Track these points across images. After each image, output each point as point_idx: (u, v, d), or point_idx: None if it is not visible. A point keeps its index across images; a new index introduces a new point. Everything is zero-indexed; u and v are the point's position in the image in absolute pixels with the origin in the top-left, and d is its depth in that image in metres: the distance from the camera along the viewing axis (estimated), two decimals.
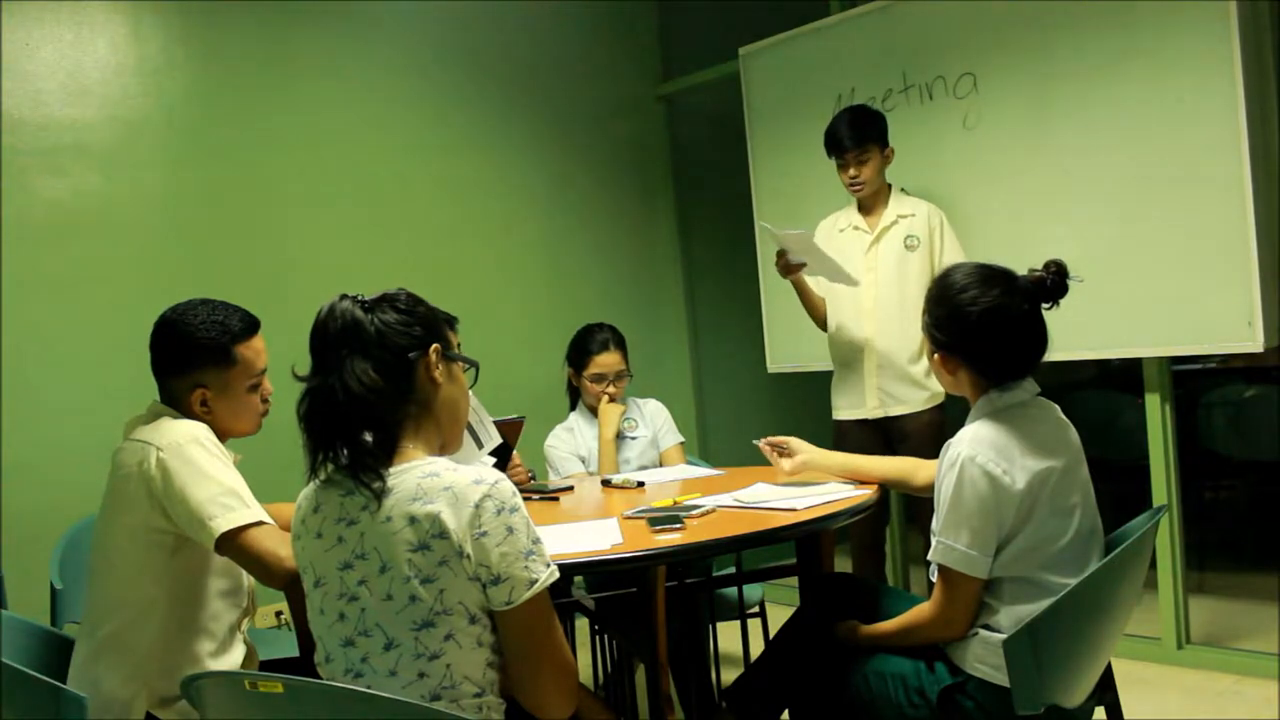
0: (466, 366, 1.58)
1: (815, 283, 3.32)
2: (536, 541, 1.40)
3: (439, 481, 1.37)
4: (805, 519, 1.98)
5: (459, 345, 1.59)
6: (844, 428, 3.30)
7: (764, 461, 2.53)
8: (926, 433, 3.14)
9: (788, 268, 3.17)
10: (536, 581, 1.37)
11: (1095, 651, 1.74)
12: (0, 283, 3.05)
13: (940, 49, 3.47)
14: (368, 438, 1.41)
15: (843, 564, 2.85)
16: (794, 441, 2.39)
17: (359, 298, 1.47)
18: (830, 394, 3.39)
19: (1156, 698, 3.01)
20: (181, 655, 1.81)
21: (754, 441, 2.45)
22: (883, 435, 3.22)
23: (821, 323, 3.35)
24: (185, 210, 3.42)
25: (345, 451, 1.42)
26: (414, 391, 1.47)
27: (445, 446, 1.54)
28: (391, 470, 1.40)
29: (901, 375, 3.17)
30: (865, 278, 3.19)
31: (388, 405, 1.43)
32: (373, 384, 1.41)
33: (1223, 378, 4.19)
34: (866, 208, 3.28)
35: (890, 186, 3.27)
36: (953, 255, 3.15)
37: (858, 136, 3.14)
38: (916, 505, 3.18)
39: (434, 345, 1.50)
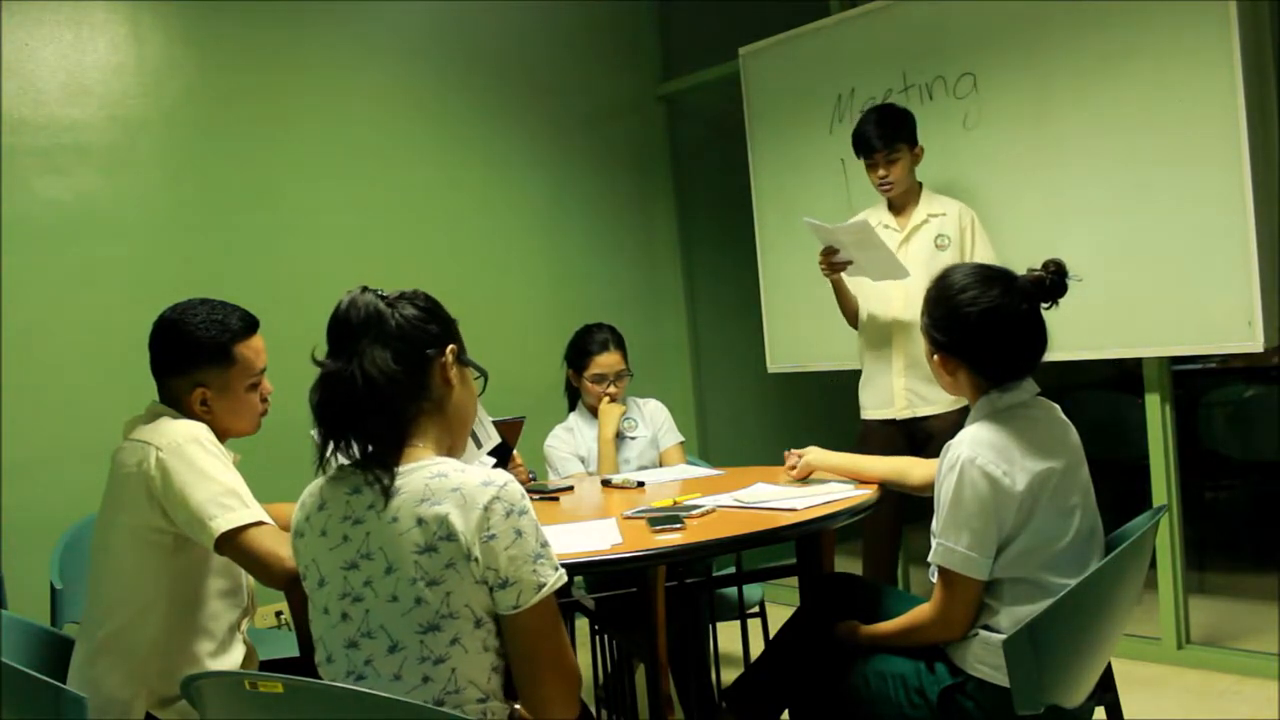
0: (477, 375, 1.58)
1: (850, 282, 3.27)
2: (545, 544, 1.40)
3: (447, 483, 1.37)
4: (805, 519, 1.98)
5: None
6: (870, 427, 3.26)
7: (764, 461, 2.53)
8: (951, 433, 3.09)
9: (833, 266, 3.14)
10: (545, 585, 1.37)
11: (1095, 651, 1.74)
12: (0, 283, 3.05)
13: (940, 49, 3.47)
14: (380, 430, 1.41)
15: (846, 563, 2.84)
16: (805, 451, 2.41)
17: (379, 291, 1.47)
18: (851, 394, 3.36)
19: (1156, 698, 3.01)
20: (181, 655, 1.81)
21: (786, 453, 2.47)
22: (908, 435, 3.19)
23: (853, 319, 3.33)
24: (185, 210, 3.42)
25: (356, 445, 1.42)
26: (429, 389, 1.48)
27: (452, 450, 1.53)
28: (400, 469, 1.40)
29: (929, 375, 3.12)
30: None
31: (403, 398, 1.44)
32: (392, 373, 1.41)
33: (1223, 378, 4.19)
34: (897, 206, 3.24)
35: (921, 185, 3.24)
36: (984, 255, 3.10)
37: (887, 136, 3.11)
38: (919, 505, 3.17)
39: (450, 346, 1.51)
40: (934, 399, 3.15)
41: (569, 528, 2.10)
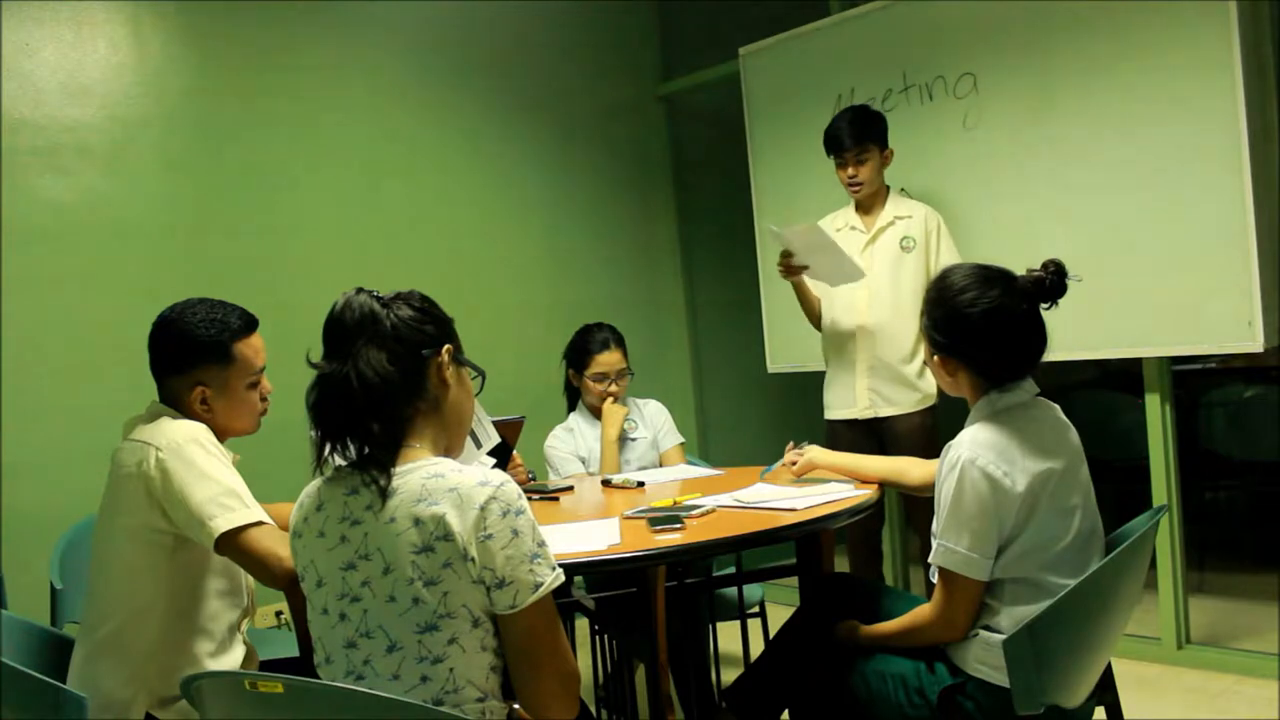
0: (474, 374, 1.58)
1: (813, 283, 3.33)
2: (542, 544, 1.40)
3: (444, 483, 1.37)
4: (805, 519, 1.98)
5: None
6: (835, 428, 3.31)
7: (764, 462, 2.53)
8: (917, 434, 3.14)
9: (790, 269, 3.18)
10: (541, 585, 1.37)
11: (1095, 651, 1.74)
12: (0, 283, 3.05)
13: (940, 49, 3.47)
14: (376, 430, 1.41)
15: (842, 564, 2.85)
16: (806, 449, 2.42)
17: (375, 293, 1.47)
18: (822, 394, 3.39)
19: (1156, 698, 3.01)
20: (181, 655, 1.81)
21: (787, 450, 2.48)
22: (874, 436, 3.22)
23: (817, 322, 3.36)
24: (185, 210, 3.42)
25: (352, 445, 1.42)
26: (425, 389, 1.47)
27: (449, 450, 1.53)
28: (397, 469, 1.40)
29: (893, 376, 3.18)
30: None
31: (398, 398, 1.43)
32: (386, 374, 1.41)
33: (1223, 378, 4.19)
34: (864, 208, 3.28)
35: (888, 188, 3.28)
36: (949, 258, 3.14)
37: (857, 135, 3.15)
38: (912, 506, 3.18)
39: (447, 346, 1.51)
40: (897, 400, 3.18)
41: (569, 528, 2.10)
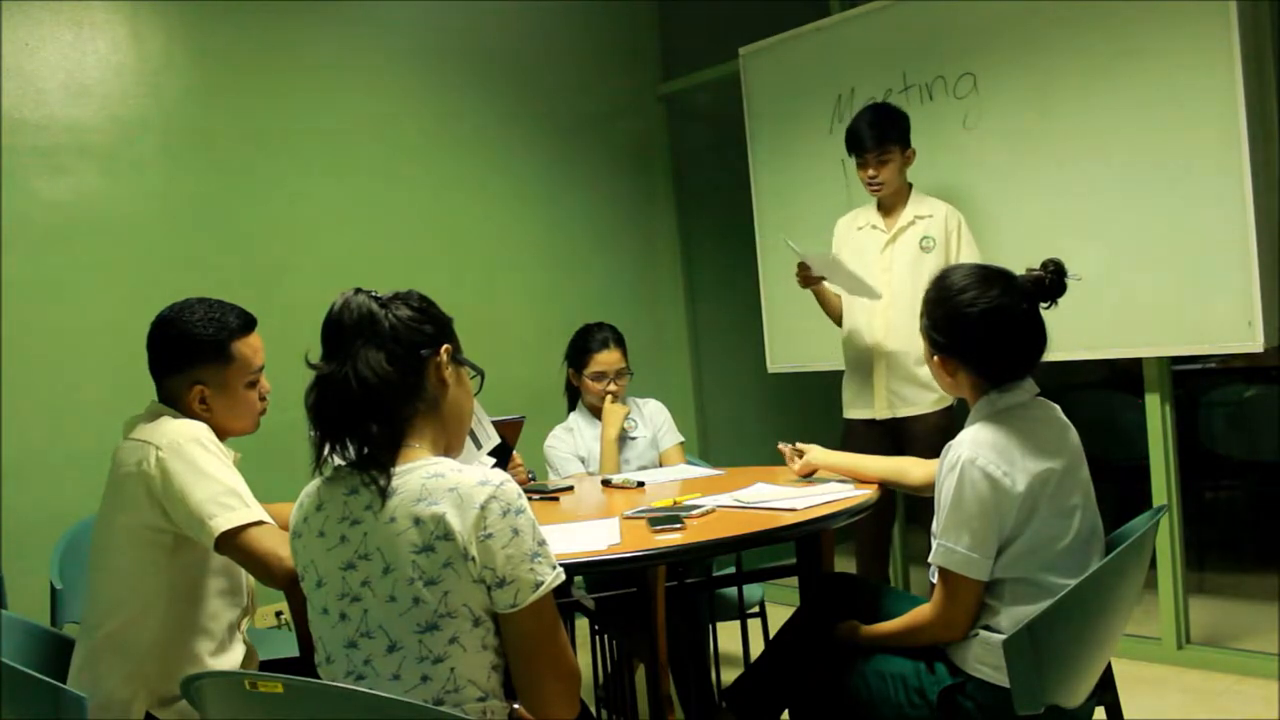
0: (474, 374, 1.58)
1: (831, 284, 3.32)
2: (542, 543, 1.40)
3: (444, 482, 1.37)
4: (805, 519, 1.98)
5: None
6: (853, 427, 3.29)
7: (764, 461, 2.53)
8: (934, 435, 3.12)
9: (807, 280, 3.19)
10: (542, 584, 1.37)
11: (1095, 651, 1.74)
12: (0, 283, 3.05)
13: (940, 49, 3.47)
14: (375, 431, 1.41)
15: (844, 564, 2.85)
16: (807, 447, 2.41)
17: (373, 293, 1.47)
18: (840, 393, 3.38)
19: (1156, 698, 3.01)
20: (181, 655, 1.81)
21: (779, 446, 2.47)
22: (891, 436, 3.20)
23: (838, 319, 3.35)
24: (185, 210, 3.41)
25: (352, 446, 1.42)
26: (424, 389, 1.47)
27: (449, 449, 1.54)
28: (397, 469, 1.40)
29: (910, 377, 3.16)
30: (880, 278, 3.17)
31: (397, 399, 1.44)
32: (385, 375, 1.41)
33: (1223, 378, 4.19)
34: (885, 207, 3.26)
35: (910, 186, 3.25)
36: (968, 258, 3.12)
37: (879, 136, 3.12)
38: (918, 505, 3.18)
39: (445, 346, 1.51)
40: (915, 400, 3.17)
41: (569, 527, 2.10)
